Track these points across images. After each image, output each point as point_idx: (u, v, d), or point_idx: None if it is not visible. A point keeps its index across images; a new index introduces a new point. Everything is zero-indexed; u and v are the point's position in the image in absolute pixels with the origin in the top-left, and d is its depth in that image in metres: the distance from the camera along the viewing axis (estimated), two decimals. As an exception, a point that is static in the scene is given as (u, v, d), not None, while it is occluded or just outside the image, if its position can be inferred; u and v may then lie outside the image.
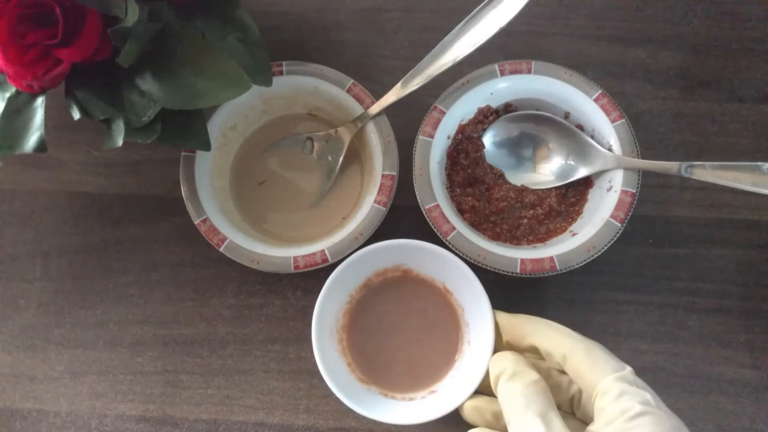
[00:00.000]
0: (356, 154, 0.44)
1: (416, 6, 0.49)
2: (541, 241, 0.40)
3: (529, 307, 0.37)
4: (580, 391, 0.34)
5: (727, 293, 0.42)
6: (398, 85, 0.41)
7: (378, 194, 0.39)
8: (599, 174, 0.40)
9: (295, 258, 0.38)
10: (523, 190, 0.42)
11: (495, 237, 0.40)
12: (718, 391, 0.40)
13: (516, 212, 0.41)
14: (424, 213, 0.39)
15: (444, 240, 0.38)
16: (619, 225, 0.37)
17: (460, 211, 0.41)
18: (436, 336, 0.39)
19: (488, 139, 0.43)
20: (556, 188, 0.41)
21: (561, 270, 0.37)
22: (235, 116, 0.43)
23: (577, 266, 0.37)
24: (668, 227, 0.43)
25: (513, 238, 0.40)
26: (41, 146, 0.37)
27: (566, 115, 0.42)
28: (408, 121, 0.42)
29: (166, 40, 0.37)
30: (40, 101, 0.38)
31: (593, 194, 0.41)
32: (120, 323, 0.43)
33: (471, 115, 0.42)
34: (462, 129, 0.42)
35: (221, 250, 0.39)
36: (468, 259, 0.37)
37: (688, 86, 0.46)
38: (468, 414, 0.35)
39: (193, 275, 0.44)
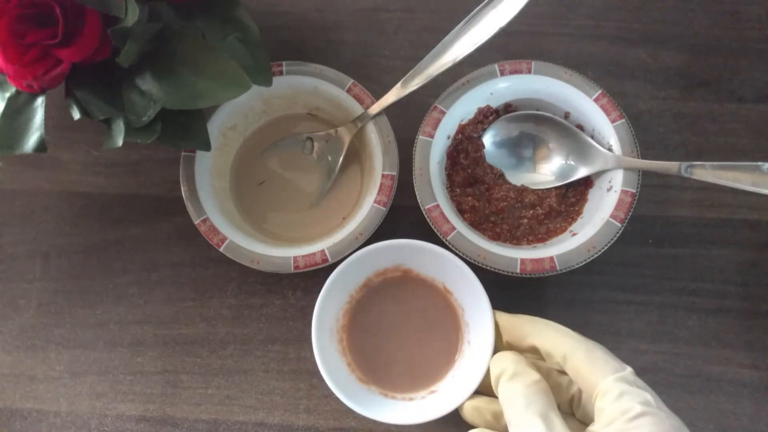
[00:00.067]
0: (356, 154, 0.44)
1: (416, 6, 0.49)
2: (541, 241, 0.40)
3: (529, 307, 0.37)
4: (579, 392, 0.34)
5: (727, 293, 0.42)
6: (398, 85, 0.41)
7: (378, 194, 0.39)
8: (599, 174, 0.40)
9: (295, 258, 0.38)
10: (523, 190, 0.42)
11: (495, 237, 0.40)
12: (718, 391, 0.40)
13: (516, 212, 0.41)
14: (424, 213, 0.39)
15: (444, 240, 0.38)
16: (619, 225, 0.37)
17: (460, 211, 0.41)
18: (436, 336, 0.39)
19: (488, 139, 0.43)
20: (556, 188, 0.41)
21: (561, 270, 0.37)
22: (235, 116, 0.43)
23: (577, 266, 0.37)
24: (668, 227, 0.43)
25: (513, 238, 0.40)
26: (41, 146, 0.37)
27: (566, 115, 0.42)
28: (408, 121, 0.42)
29: (166, 40, 0.37)
30: (40, 101, 0.38)
31: (593, 194, 0.41)
32: (120, 323, 0.43)
33: (471, 115, 0.42)
34: (462, 129, 0.42)
35: (221, 250, 0.39)
36: (468, 259, 0.37)
37: (688, 86, 0.46)
38: (468, 414, 0.35)
39: (193, 275, 0.44)
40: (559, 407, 0.32)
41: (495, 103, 0.42)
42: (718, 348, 0.41)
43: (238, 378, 0.42)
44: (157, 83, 0.37)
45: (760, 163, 0.36)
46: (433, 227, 0.38)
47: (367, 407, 0.35)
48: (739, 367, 0.41)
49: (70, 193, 0.46)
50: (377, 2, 0.50)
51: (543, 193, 0.41)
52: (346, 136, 0.43)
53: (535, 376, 0.32)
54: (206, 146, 0.40)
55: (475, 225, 0.41)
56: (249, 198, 0.44)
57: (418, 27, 0.49)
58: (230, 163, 0.44)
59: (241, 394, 0.41)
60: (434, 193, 0.39)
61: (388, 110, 0.41)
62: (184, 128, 0.39)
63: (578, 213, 0.41)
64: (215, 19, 0.40)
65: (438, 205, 0.39)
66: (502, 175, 0.42)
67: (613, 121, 0.40)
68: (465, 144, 0.42)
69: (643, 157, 0.39)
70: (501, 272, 0.37)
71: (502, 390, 0.33)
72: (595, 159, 0.40)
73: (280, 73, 0.42)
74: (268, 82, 0.41)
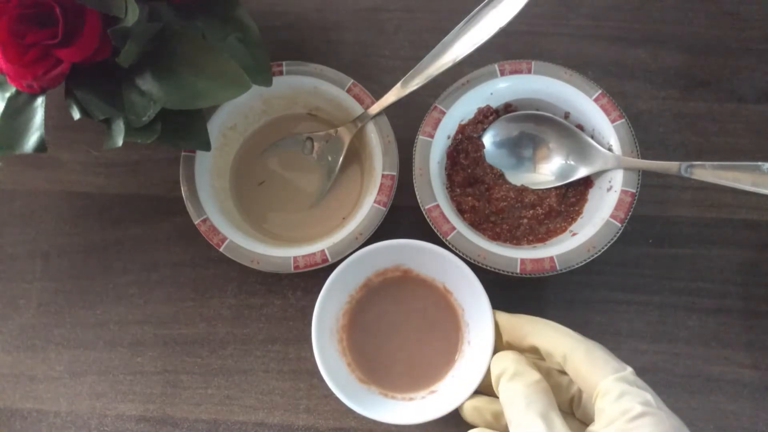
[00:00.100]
0: (356, 154, 0.44)
1: (416, 6, 0.49)
2: (541, 241, 0.40)
3: (529, 307, 0.37)
4: (579, 392, 0.34)
5: (727, 293, 0.42)
6: (398, 85, 0.41)
7: (378, 194, 0.39)
8: (599, 174, 0.40)
9: (295, 258, 0.38)
10: (523, 190, 0.42)
11: (495, 237, 0.40)
12: (718, 391, 0.40)
13: (516, 212, 0.41)
14: (424, 213, 0.39)
15: (444, 240, 0.38)
16: (619, 225, 0.37)
17: (460, 211, 0.41)
18: (436, 336, 0.39)
19: (488, 139, 0.43)
20: (556, 188, 0.41)
21: (561, 270, 0.37)
22: (235, 116, 0.43)
23: (577, 266, 0.37)
24: (668, 227, 0.43)
25: (513, 238, 0.40)
26: (41, 146, 0.37)
27: (566, 115, 0.42)
28: (408, 121, 0.42)
29: (166, 40, 0.37)
30: (40, 101, 0.38)
31: (593, 194, 0.41)
32: (120, 323, 0.43)
33: (471, 115, 0.42)
34: (462, 129, 0.42)
35: (221, 250, 0.39)
36: (468, 259, 0.37)
37: (688, 86, 0.46)
38: (468, 414, 0.35)
39: (193, 275, 0.44)
40: (559, 407, 0.32)
41: (495, 103, 0.42)
42: (718, 348, 0.41)
43: (238, 378, 0.42)
44: (157, 83, 0.37)
45: (760, 163, 0.36)
46: (433, 227, 0.38)
47: (367, 407, 0.35)
48: (739, 367, 0.41)
49: (70, 193, 0.46)
50: (377, 2, 0.50)
51: (543, 193, 0.41)
52: (346, 136, 0.43)
53: (535, 375, 0.32)
54: (206, 146, 0.40)
55: (475, 225, 0.41)
56: (249, 198, 0.44)
57: (418, 27, 0.49)
58: (230, 163, 0.44)
59: (241, 394, 0.41)
60: (434, 193, 0.39)
61: (388, 110, 0.41)
62: (184, 128, 0.39)
63: (578, 213, 0.41)
64: (215, 19, 0.40)
65: (438, 205, 0.39)
66: (502, 175, 0.42)
67: (613, 121, 0.40)
68: (465, 144, 0.42)
69: (643, 157, 0.39)
70: (501, 272, 0.37)
71: (502, 390, 0.33)
72: (595, 159, 0.40)
73: (280, 73, 0.42)
74: (268, 82, 0.41)
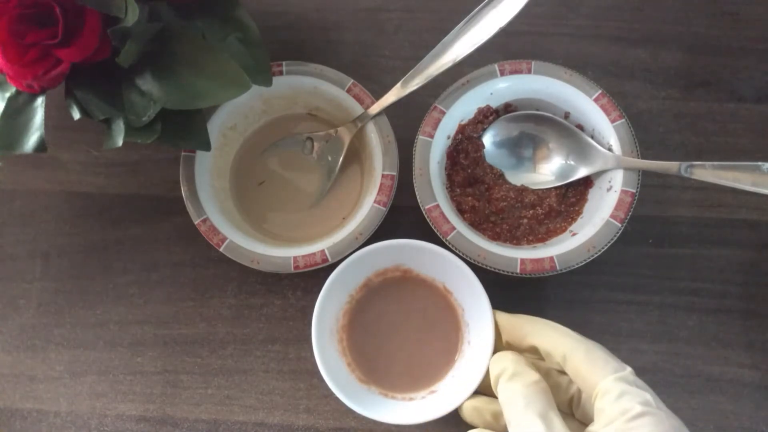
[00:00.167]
0: (356, 154, 0.44)
1: (416, 6, 0.49)
2: (541, 241, 0.40)
3: (529, 307, 0.37)
4: (579, 392, 0.34)
5: (727, 293, 0.42)
6: (398, 85, 0.41)
7: (378, 194, 0.39)
8: (599, 174, 0.40)
9: (295, 258, 0.38)
10: (523, 190, 0.42)
11: (495, 237, 0.40)
12: (718, 391, 0.40)
13: (516, 212, 0.41)
14: (424, 213, 0.39)
15: (444, 240, 0.38)
16: (619, 225, 0.37)
17: (460, 211, 0.41)
18: (436, 336, 0.39)
19: (488, 139, 0.43)
20: (556, 188, 0.41)
21: (561, 270, 0.37)
22: (235, 116, 0.43)
23: (577, 266, 0.37)
24: (668, 227, 0.43)
25: (513, 238, 0.40)
26: (41, 146, 0.37)
27: (566, 115, 0.42)
28: (408, 121, 0.42)
29: (166, 40, 0.37)
30: (40, 101, 0.38)
31: (593, 194, 0.41)
32: (120, 323, 0.43)
33: (471, 115, 0.42)
34: (462, 129, 0.42)
35: (221, 250, 0.39)
36: (468, 259, 0.37)
37: (688, 86, 0.46)
38: (467, 414, 0.35)
39: (193, 275, 0.44)
40: (558, 407, 0.32)
41: (495, 103, 0.42)
42: (718, 348, 0.41)
43: (238, 378, 0.42)
44: (157, 83, 0.37)
45: (760, 163, 0.36)
46: (433, 227, 0.38)
47: (367, 407, 0.35)
48: (739, 367, 0.41)
49: (70, 193, 0.46)
50: (377, 2, 0.50)
51: (543, 193, 0.41)
52: (346, 136, 0.43)
53: (534, 376, 0.32)
54: (206, 146, 0.40)
55: (475, 225, 0.41)
56: (249, 198, 0.44)
57: (418, 27, 0.49)
58: (230, 163, 0.44)
59: (241, 394, 0.41)
60: (434, 193, 0.39)
61: (388, 110, 0.41)
62: (184, 128, 0.39)
63: (578, 213, 0.41)
64: (215, 19, 0.40)
65: (438, 205, 0.39)
66: (502, 175, 0.42)
67: (613, 121, 0.40)
68: (465, 144, 0.42)
69: (643, 157, 0.39)
70: (501, 272, 0.37)
71: (501, 390, 0.33)
72: (595, 159, 0.40)
73: (280, 73, 0.42)
74: (268, 82, 0.41)
